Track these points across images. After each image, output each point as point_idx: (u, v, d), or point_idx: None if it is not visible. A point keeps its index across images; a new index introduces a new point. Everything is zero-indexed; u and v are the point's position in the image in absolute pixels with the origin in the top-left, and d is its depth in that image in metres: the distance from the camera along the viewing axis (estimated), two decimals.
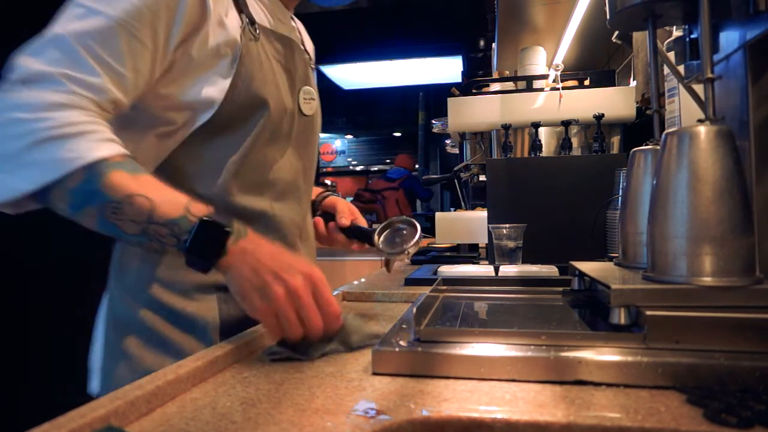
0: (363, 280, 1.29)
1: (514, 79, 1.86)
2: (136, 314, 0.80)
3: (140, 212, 0.64)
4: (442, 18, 5.05)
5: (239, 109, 0.79)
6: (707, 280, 0.56)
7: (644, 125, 1.50)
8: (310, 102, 0.94)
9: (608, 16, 0.77)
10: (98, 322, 0.86)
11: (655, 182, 0.62)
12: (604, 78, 1.59)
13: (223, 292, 0.82)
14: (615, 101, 1.47)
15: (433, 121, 2.77)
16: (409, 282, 1.16)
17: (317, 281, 0.64)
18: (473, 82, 1.72)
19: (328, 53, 5.91)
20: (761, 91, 0.69)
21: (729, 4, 0.69)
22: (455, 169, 1.96)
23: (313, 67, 1.01)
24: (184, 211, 0.65)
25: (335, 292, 1.04)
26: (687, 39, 0.76)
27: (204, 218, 0.64)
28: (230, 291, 0.65)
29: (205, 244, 0.64)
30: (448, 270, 1.18)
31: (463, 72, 4.63)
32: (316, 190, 1.08)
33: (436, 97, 7.54)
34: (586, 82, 1.62)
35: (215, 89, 0.77)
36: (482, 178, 1.84)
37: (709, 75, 0.61)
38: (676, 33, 0.92)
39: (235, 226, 0.65)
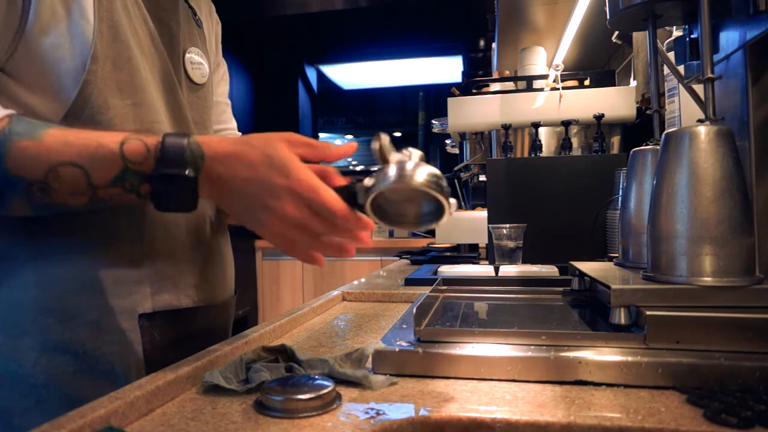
0: (363, 280, 1.29)
1: (514, 79, 1.85)
2: (14, 364, 0.60)
3: (76, 184, 0.53)
4: (442, 18, 5.05)
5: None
6: (707, 280, 0.56)
7: (644, 125, 1.50)
8: (199, 67, 0.78)
9: (608, 16, 0.77)
10: None
11: (655, 182, 0.62)
12: (604, 78, 1.59)
13: (147, 319, 0.66)
14: (615, 101, 1.47)
15: (433, 121, 2.77)
16: (409, 282, 1.16)
17: (317, 185, 0.51)
18: (473, 82, 1.72)
19: (328, 53, 5.91)
20: (761, 91, 0.69)
21: (729, 4, 0.69)
22: (455, 169, 1.96)
23: (201, 26, 0.82)
24: (122, 161, 0.53)
25: (334, 293, 1.04)
26: (687, 39, 0.76)
27: (155, 174, 0.53)
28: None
29: (173, 197, 0.54)
30: (448, 270, 1.18)
31: (463, 72, 4.64)
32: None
33: (436, 97, 7.54)
34: (586, 82, 1.62)
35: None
36: (482, 178, 1.84)
37: (709, 75, 0.61)
38: (676, 33, 0.92)
39: (191, 157, 0.53)
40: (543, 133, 1.53)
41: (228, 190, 0.54)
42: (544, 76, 1.67)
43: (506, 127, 1.49)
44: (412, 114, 8.71)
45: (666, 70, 0.96)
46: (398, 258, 2.00)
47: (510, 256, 1.22)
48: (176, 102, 0.72)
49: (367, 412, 0.45)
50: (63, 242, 0.62)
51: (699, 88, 0.67)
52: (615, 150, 1.53)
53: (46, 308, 0.61)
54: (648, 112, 1.19)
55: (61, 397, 0.60)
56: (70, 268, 0.62)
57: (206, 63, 0.80)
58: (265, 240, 0.55)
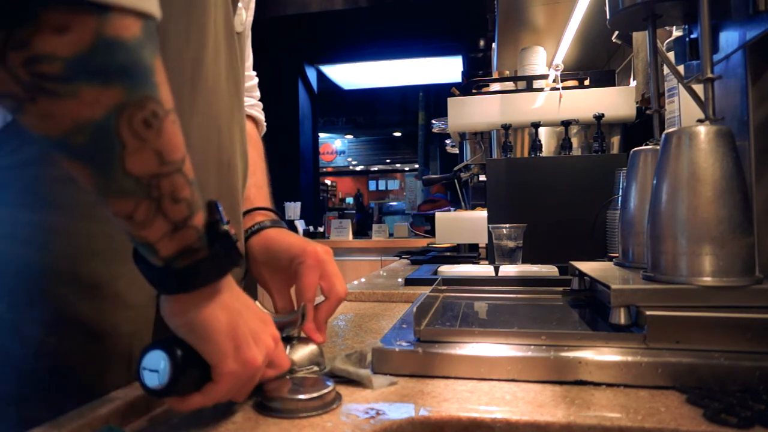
0: (363, 280, 1.29)
1: (514, 79, 1.85)
2: (15, 342, 0.48)
3: (174, 148, 0.36)
4: (442, 18, 5.05)
5: None
6: (707, 280, 0.56)
7: (644, 125, 1.50)
8: (240, 13, 0.65)
9: (608, 16, 0.77)
10: None
11: (655, 182, 0.62)
12: (604, 78, 1.59)
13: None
14: (615, 101, 1.47)
15: (433, 121, 2.77)
16: (409, 282, 1.16)
17: (278, 342, 0.48)
18: (473, 82, 1.72)
19: (328, 53, 5.91)
20: (761, 91, 0.69)
21: (729, 4, 0.69)
22: (455, 169, 1.96)
23: None
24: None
25: None
26: (687, 39, 0.76)
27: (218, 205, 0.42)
28: (189, 336, 0.41)
29: (225, 256, 0.41)
30: (448, 270, 1.18)
31: (463, 72, 4.63)
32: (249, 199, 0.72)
33: (436, 97, 7.54)
34: (586, 82, 1.62)
35: None
36: (482, 178, 1.84)
37: (709, 75, 0.61)
38: (676, 33, 0.92)
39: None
40: (543, 133, 1.53)
41: (234, 303, 0.44)
42: (544, 76, 1.67)
43: (506, 127, 1.49)
44: (412, 114, 8.71)
45: (666, 70, 0.96)
46: (398, 258, 2.00)
47: (510, 256, 1.22)
48: (233, 54, 0.60)
49: (367, 412, 0.45)
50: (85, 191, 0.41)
51: (699, 88, 0.67)
52: (615, 150, 1.53)
53: (60, 274, 0.49)
54: (648, 112, 1.19)
55: (69, 385, 0.50)
56: (95, 225, 0.49)
57: (245, 9, 0.68)
58: (221, 372, 0.43)
